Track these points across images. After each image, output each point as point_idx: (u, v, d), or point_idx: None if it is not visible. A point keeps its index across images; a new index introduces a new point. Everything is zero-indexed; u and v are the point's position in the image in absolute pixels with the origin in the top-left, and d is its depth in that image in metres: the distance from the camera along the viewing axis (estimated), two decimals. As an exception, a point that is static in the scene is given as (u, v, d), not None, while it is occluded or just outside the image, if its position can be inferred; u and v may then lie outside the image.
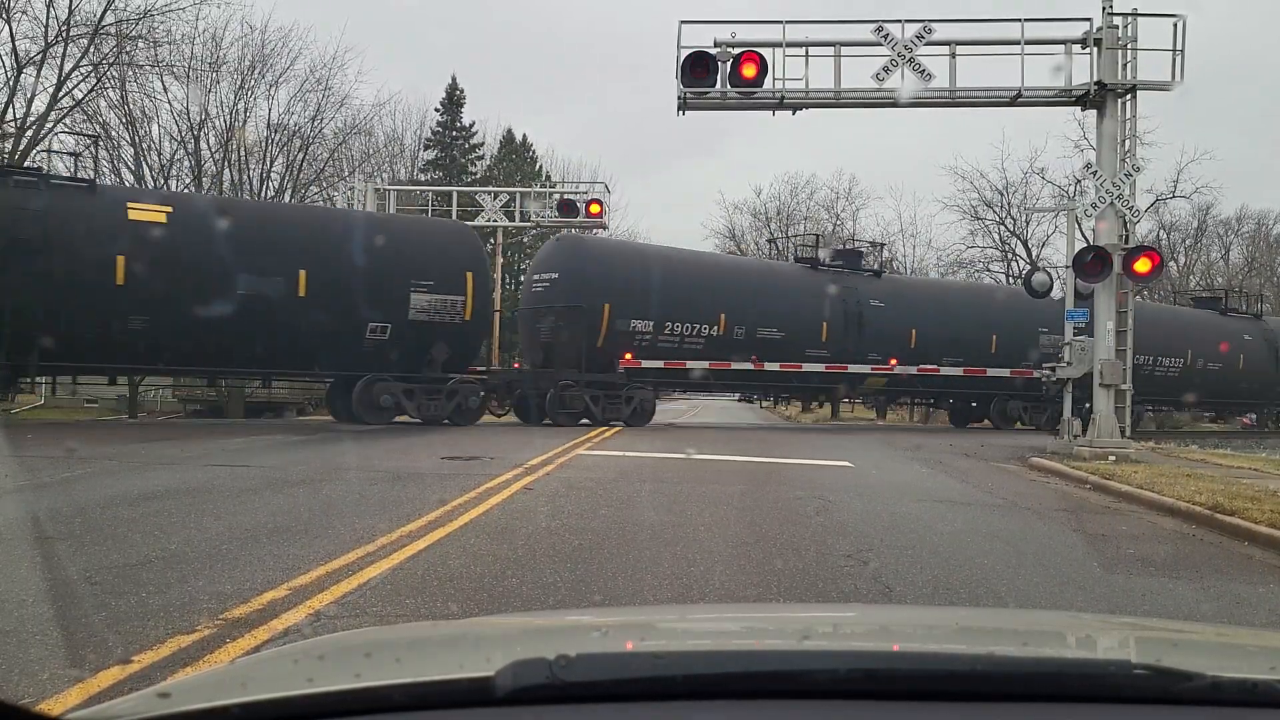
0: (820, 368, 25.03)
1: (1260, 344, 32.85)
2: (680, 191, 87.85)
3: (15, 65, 26.98)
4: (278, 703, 1.40)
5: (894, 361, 26.00)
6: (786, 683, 1.43)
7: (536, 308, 23.27)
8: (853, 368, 25.61)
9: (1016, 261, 46.81)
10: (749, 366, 23.97)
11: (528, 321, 23.95)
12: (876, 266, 29.31)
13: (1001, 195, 46.66)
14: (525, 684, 1.34)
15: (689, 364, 23.18)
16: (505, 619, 3.70)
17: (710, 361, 23.39)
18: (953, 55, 16.65)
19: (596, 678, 1.40)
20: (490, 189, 34.07)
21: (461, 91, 49.79)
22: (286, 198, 34.53)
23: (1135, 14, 16.42)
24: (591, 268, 22.51)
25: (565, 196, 29.61)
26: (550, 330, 22.64)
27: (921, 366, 26.52)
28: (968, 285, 39.34)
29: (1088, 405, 16.87)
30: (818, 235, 36.47)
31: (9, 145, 27.15)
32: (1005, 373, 26.87)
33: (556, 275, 22.87)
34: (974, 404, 29.61)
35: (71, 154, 21.39)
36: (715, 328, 23.47)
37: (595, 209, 28.53)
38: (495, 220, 29.76)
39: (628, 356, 22.33)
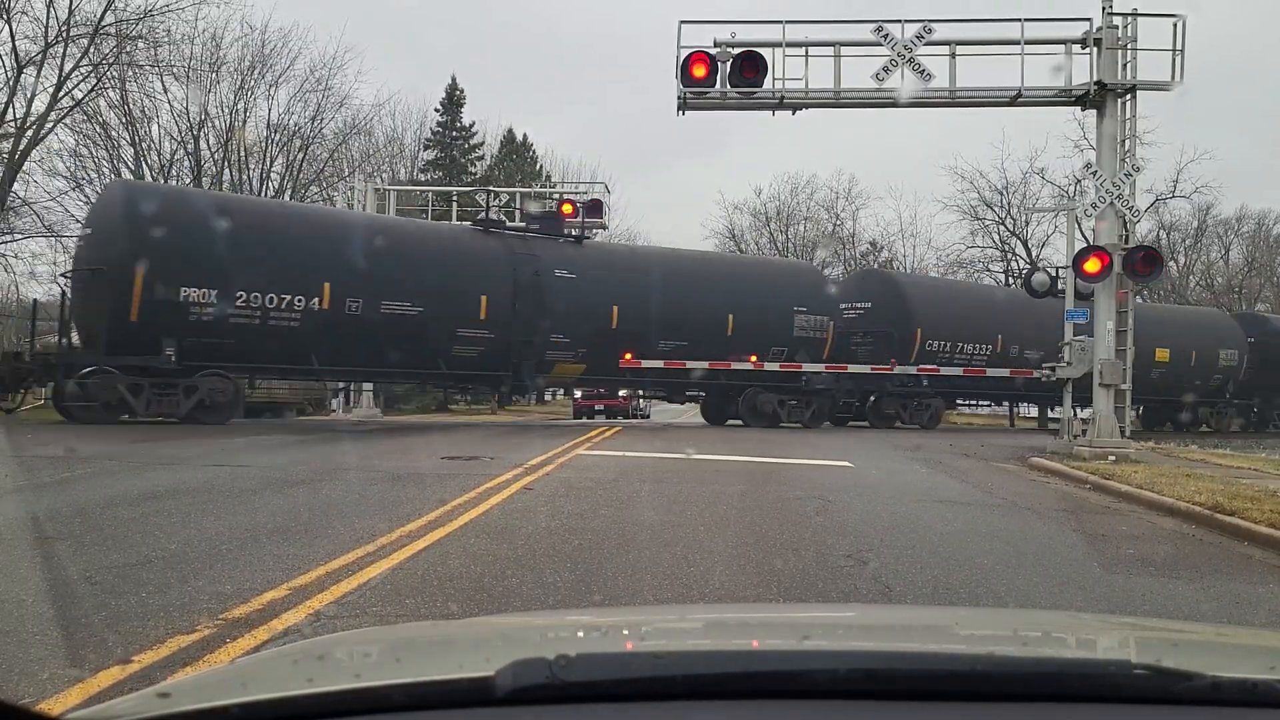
0: (820, 368, 24.66)
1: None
2: (680, 191, 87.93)
3: (15, 65, 27.01)
4: (278, 703, 1.40)
5: (894, 361, 25.92)
6: (786, 683, 1.43)
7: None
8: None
9: (1016, 261, 46.84)
10: (748, 366, 23.93)
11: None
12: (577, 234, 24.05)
13: (1001, 195, 46.68)
14: (525, 684, 1.34)
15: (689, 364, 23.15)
16: (505, 619, 3.70)
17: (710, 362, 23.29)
18: (953, 55, 16.66)
19: (596, 678, 1.40)
20: (491, 189, 34.07)
21: (461, 92, 49.85)
22: (286, 198, 34.55)
23: (1135, 14, 16.43)
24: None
25: (565, 196, 29.59)
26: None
27: (922, 367, 26.40)
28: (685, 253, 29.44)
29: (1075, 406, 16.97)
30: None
31: (9, 145, 27.15)
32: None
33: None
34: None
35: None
36: (319, 300, 19.07)
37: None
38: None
39: (627, 356, 22.62)
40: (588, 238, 25.23)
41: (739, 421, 24.05)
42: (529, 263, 21.60)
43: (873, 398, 26.27)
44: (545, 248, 22.37)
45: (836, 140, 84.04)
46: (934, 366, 26.29)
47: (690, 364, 23.03)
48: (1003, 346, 27.29)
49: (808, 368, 24.11)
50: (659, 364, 22.87)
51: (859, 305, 27.16)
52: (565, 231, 23.55)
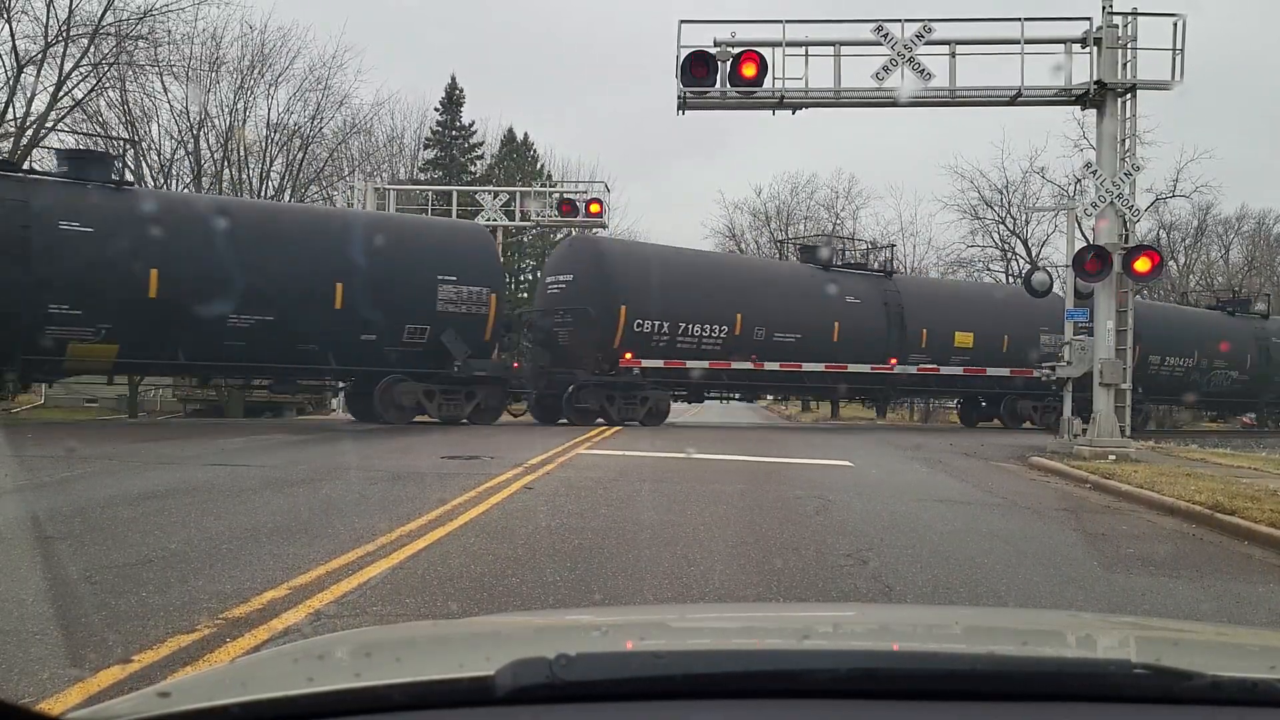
0: (820, 368, 24.90)
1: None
2: (680, 191, 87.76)
3: (15, 64, 27.01)
4: (278, 702, 1.40)
5: (893, 361, 25.98)
6: (786, 682, 1.43)
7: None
8: (852, 367, 25.25)
9: (1016, 261, 46.83)
10: (749, 366, 23.97)
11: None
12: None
13: (1001, 194, 46.67)
14: (525, 683, 1.34)
15: (689, 364, 23.19)
16: (505, 618, 3.70)
17: (710, 361, 23.39)
18: (952, 54, 16.67)
19: (596, 677, 1.40)
20: (490, 188, 34.10)
21: (461, 91, 49.81)
22: (286, 197, 34.54)
23: (1135, 13, 16.43)
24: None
25: (565, 196, 29.63)
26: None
27: (922, 366, 26.50)
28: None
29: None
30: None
31: (9, 145, 27.15)
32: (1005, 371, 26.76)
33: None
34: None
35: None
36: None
37: (595, 208, 28.58)
38: (495, 219, 29.78)
39: (627, 356, 22.41)
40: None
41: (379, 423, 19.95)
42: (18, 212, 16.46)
43: (570, 388, 22.07)
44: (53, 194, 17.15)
45: (836, 140, 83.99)
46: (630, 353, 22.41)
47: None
48: (742, 328, 23.54)
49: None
50: (240, 344, 18.28)
51: (562, 278, 23.49)
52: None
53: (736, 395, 28.52)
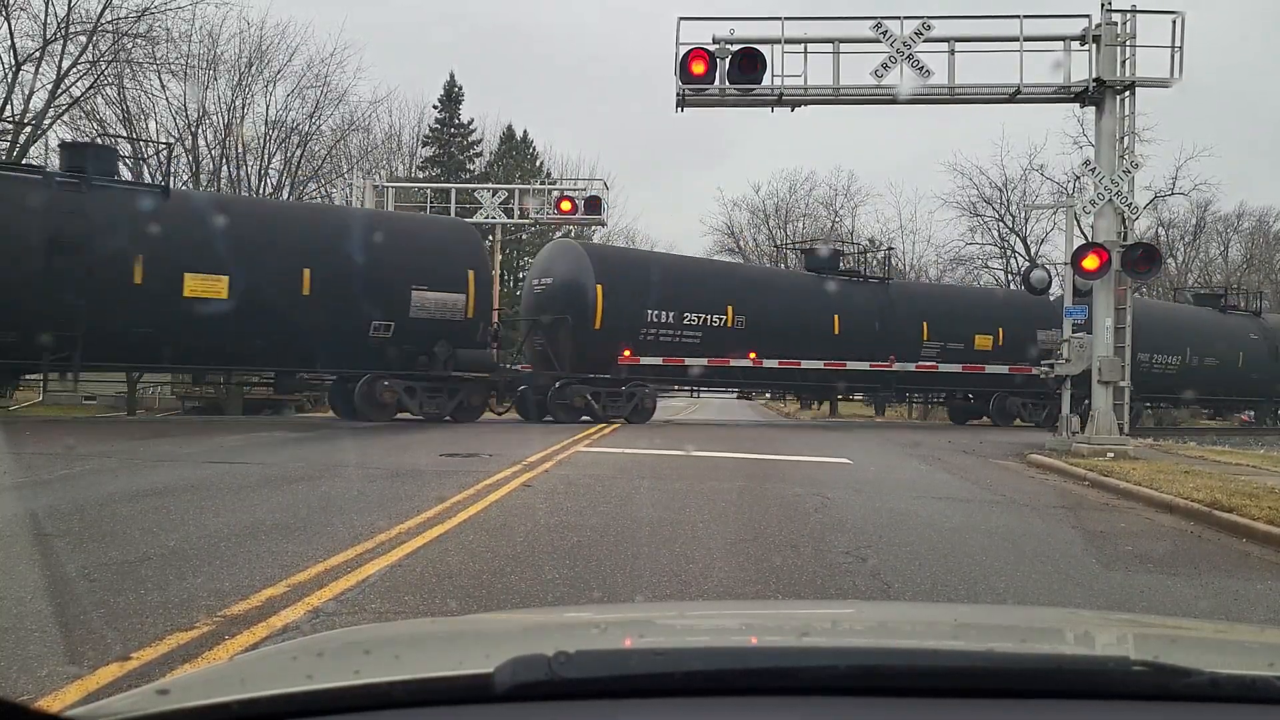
0: (819, 365, 25.01)
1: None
2: (679, 189, 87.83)
3: (14, 62, 27.00)
4: (277, 699, 1.39)
5: (892, 358, 26.04)
6: (785, 680, 1.43)
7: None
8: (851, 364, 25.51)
9: (1015, 258, 46.85)
10: (747, 363, 24.04)
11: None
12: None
13: (1001, 192, 46.70)
14: (524, 681, 1.34)
15: (687, 360, 23.31)
16: (504, 616, 3.70)
17: (709, 359, 23.50)
18: (951, 52, 16.67)
19: (595, 675, 1.40)
20: (489, 186, 34.04)
21: (460, 89, 49.72)
22: (285, 194, 34.51)
23: (1134, 10, 16.42)
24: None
25: (564, 194, 29.57)
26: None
27: (921, 364, 26.60)
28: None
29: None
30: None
31: (7, 142, 27.14)
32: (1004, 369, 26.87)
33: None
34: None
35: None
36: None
37: (594, 206, 28.54)
38: (494, 217, 29.72)
39: (627, 353, 22.52)
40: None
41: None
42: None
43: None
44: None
45: (835, 137, 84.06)
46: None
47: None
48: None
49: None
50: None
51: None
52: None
53: (734, 390, 28.79)
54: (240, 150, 34.95)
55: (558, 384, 22.19)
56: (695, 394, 30.76)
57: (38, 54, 27.30)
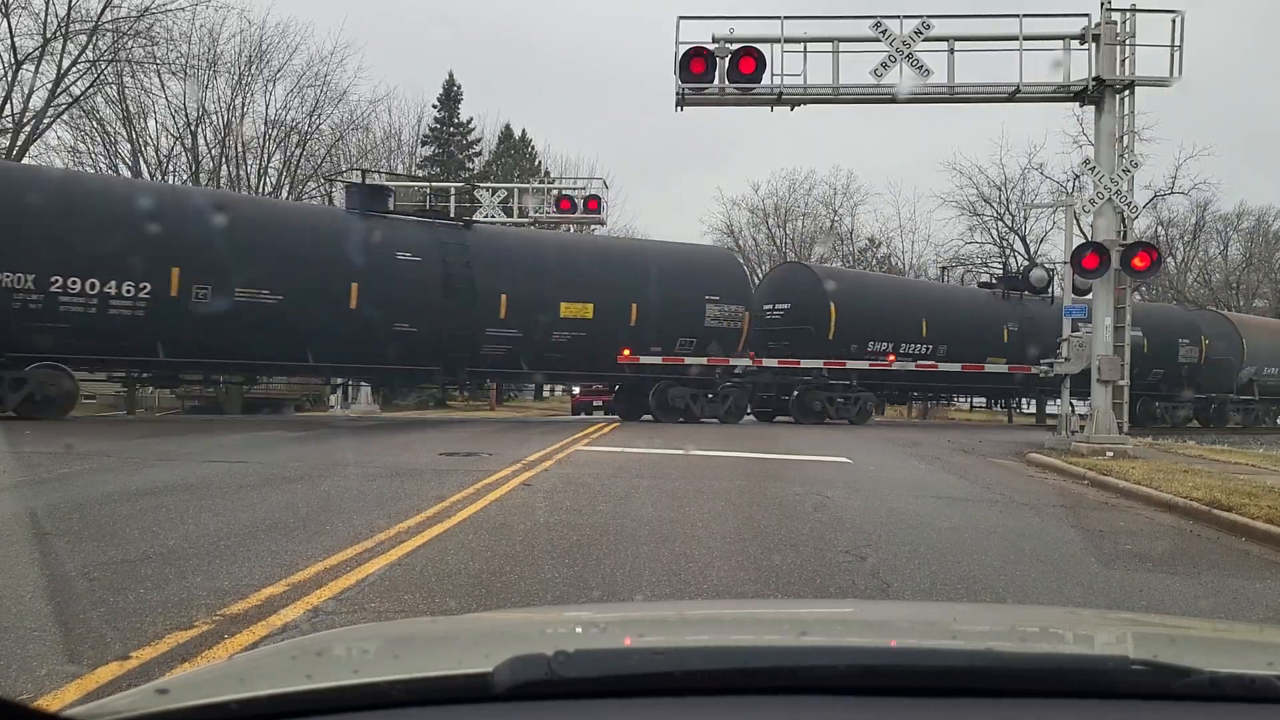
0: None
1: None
2: (678, 188, 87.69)
3: (14, 61, 27.00)
4: (276, 699, 1.39)
5: (891, 358, 26.23)
6: (784, 679, 1.43)
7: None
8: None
9: (1015, 257, 46.84)
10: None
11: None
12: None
13: (1000, 191, 46.75)
14: (524, 680, 1.34)
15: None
16: (503, 615, 3.70)
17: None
18: (951, 51, 16.67)
19: (595, 674, 1.40)
20: (489, 184, 34.03)
21: (459, 88, 49.71)
22: (284, 194, 34.50)
23: (1134, 9, 16.43)
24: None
25: (564, 192, 29.56)
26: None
27: (920, 363, 26.69)
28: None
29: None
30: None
31: (7, 141, 27.14)
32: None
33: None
34: None
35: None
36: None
37: (593, 205, 28.53)
38: (493, 215, 29.70)
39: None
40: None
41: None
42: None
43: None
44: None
45: (835, 136, 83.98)
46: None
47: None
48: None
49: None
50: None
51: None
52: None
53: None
54: (240, 149, 34.97)
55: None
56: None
57: (37, 53, 27.31)
